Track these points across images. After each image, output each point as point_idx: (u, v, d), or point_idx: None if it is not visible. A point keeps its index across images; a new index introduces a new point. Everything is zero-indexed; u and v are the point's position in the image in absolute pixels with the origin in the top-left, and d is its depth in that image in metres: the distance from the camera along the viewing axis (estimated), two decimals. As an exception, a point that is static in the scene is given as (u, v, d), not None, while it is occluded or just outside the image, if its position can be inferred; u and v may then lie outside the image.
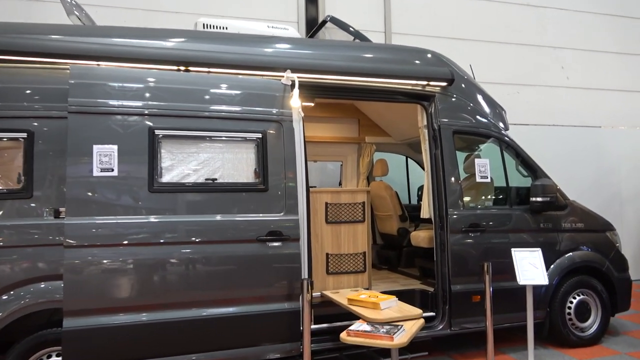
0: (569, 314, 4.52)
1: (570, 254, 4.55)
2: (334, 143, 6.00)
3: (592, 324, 4.60)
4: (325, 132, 5.89)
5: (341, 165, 6.20)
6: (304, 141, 3.84)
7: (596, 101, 8.29)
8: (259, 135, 3.64)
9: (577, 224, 4.65)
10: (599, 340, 4.60)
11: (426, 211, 4.38)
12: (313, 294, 3.87)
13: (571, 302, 4.54)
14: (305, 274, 3.68)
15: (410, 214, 5.80)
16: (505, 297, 4.27)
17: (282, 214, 3.60)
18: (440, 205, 4.20)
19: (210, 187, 3.48)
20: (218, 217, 3.43)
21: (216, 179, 3.52)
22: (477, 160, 4.41)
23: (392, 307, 3.28)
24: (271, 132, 3.68)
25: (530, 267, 4.02)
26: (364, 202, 4.14)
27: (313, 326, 3.74)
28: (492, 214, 4.37)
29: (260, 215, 3.55)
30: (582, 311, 4.57)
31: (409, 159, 6.54)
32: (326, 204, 4.02)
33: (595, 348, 4.48)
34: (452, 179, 4.24)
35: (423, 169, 4.71)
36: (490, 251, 4.26)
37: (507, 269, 4.17)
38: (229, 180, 3.55)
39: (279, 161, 3.66)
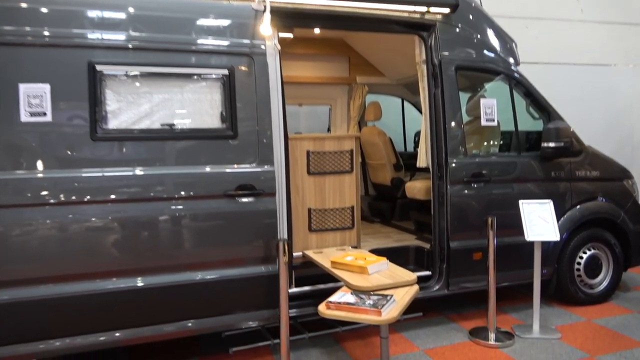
0: (578, 269, 4.14)
1: (583, 205, 4.11)
2: (321, 84, 5.40)
3: (602, 280, 4.23)
4: (311, 72, 5.27)
5: (330, 109, 5.63)
6: (281, 79, 3.28)
7: (612, 37, 7.58)
8: (225, 72, 3.07)
9: (592, 172, 4.17)
10: (609, 297, 4.25)
11: (423, 159, 3.88)
12: (294, 253, 3.45)
13: (581, 258, 4.15)
14: (283, 232, 3.23)
15: (406, 163, 5.30)
16: (510, 254, 3.88)
17: (254, 164, 3.10)
18: (439, 152, 3.69)
19: (166, 135, 2.95)
20: (176, 170, 2.93)
21: (174, 125, 2.98)
22: (482, 101, 3.86)
23: (382, 270, 2.86)
24: (240, 68, 3.11)
25: (539, 221, 3.59)
26: (352, 150, 3.63)
27: (293, 290, 3.35)
28: (497, 162, 3.88)
29: (228, 166, 3.05)
30: (593, 267, 4.19)
31: (405, 102, 5.96)
32: (308, 152, 3.51)
33: (606, 306, 4.14)
34: (454, 122, 3.72)
35: (420, 112, 4.17)
36: (494, 204, 3.81)
37: (512, 223, 3.75)
38: (189, 126, 3.01)
39: (250, 103, 3.11)
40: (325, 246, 3.62)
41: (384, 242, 4.24)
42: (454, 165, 3.69)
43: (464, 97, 4.17)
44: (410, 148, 5.97)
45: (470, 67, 3.85)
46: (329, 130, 5.69)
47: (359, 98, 5.39)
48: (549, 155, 3.94)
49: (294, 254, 3.48)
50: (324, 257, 3.33)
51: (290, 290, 3.33)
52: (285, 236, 3.28)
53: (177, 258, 2.93)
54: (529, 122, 4.25)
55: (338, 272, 2.84)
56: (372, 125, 5.22)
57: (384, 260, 2.91)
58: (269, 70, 3.22)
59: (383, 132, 5.04)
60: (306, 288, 3.40)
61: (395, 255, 3.87)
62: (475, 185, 3.76)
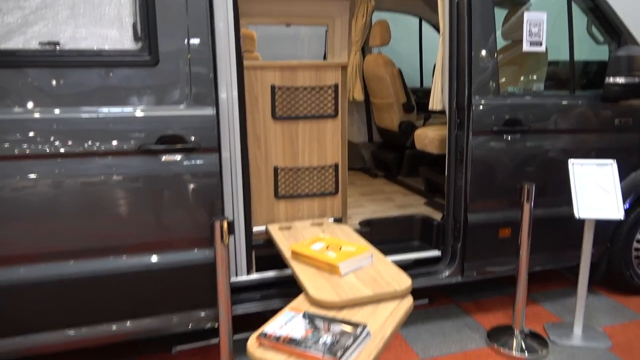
0: (638, 250, 3.22)
1: (654, 165, 3.11)
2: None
3: (668, 263, 3.32)
4: (301, -19, 4.17)
5: (326, 31, 4.56)
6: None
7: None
8: (138, -37, 2.08)
9: (673, 121, 3.13)
10: (675, 285, 3.36)
11: (437, 99, 2.90)
12: (255, 228, 2.63)
13: (643, 235, 3.22)
14: (237, 201, 2.39)
15: (421, 102, 4.31)
16: (548, 231, 2.98)
17: (183, 105, 2.19)
18: (461, 89, 2.70)
19: (49, 58, 2.03)
20: (63, 114, 2.04)
21: (58, 44, 2.05)
22: (527, 16, 2.78)
23: (363, 268, 2.00)
24: (163, -44, 2.11)
25: (596, 190, 2.63)
26: (336, 85, 2.66)
27: (253, 276, 2.56)
28: (541, 105, 2.86)
29: (143, 108, 2.14)
30: (657, 246, 3.26)
31: (423, 23, 4.83)
32: (273, 88, 2.56)
33: (670, 297, 3.26)
34: (483, 46, 2.68)
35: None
36: (533, 163, 2.85)
37: (555, 189, 2.82)
38: (83, 46, 2.08)
39: (178, 10, 2.15)
40: (298, 218, 2.76)
41: (383, 207, 3.37)
42: (480, 107, 2.71)
43: (499, 13, 3.09)
44: (427, 83, 4.93)
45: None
46: (324, 58, 4.65)
47: (362, 16, 4.29)
48: (615, 94, 2.90)
49: (255, 229, 2.65)
50: (291, 236, 2.48)
51: (247, 278, 2.55)
52: (241, 206, 2.44)
53: (72, 241, 2.12)
54: (588, 49, 3.17)
55: (297, 270, 1.99)
56: (378, 53, 4.17)
57: (367, 252, 2.04)
58: None
59: (391, 61, 4.00)
60: (270, 274, 2.60)
61: (395, 228, 3.03)
62: (509, 138, 2.79)
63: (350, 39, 4.44)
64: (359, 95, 4.42)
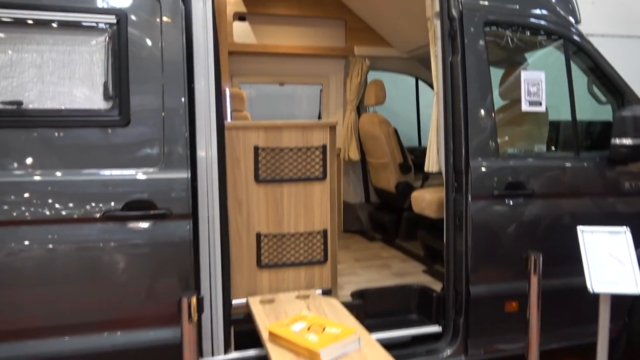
0: (659, 324, 2.93)
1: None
2: (309, 56, 4.28)
3: (693, 338, 3.01)
4: (296, 40, 4.15)
5: (321, 90, 4.50)
6: (214, 33, 2.21)
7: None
8: (112, 19, 2.00)
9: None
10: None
11: (433, 161, 2.74)
12: (234, 301, 2.40)
13: (664, 307, 2.94)
14: (210, 274, 2.18)
15: (418, 162, 4.16)
16: (560, 304, 2.72)
17: (155, 168, 2.03)
18: (457, 150, 2.55)
19: (13, 119, 1.90)
20: (24, 177, 1.88)
21: (21, 104, 1.93)
22: (525, 75, 2.67)
23: (347, 354, 1.75)
24: (138, 14, 2.04)
25: (609, 260, 2.41)
26: (324, 146, 2.51)
27: (232, 355, 2.30)
28: (545, 167, 2.69)
29: (112, 171, 1.98)
30: (681, 320, 2.97)
31: (420, 82, 4.78)
32: (256, 149, 2.41)
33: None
34: (480, 106, 2.56)
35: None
36: (539, 230, 2.65)
37: (565, 259, 2.60)
38: (50, 105, 1.95)
39: (152, 68, 2.04)
40: (283, 289, 2.53)
41: (378, 275, 3.13)
42: (479, 170, 2.54)
43: (495, 72, 3.00)
44: (425, 143, 4.80)
45: (506, 22, 2.67)
46: (319, 118, 4.57)
47: (357, 75, 4.24)
48: (623, 156, 2.73)
49: (235, 302, 2.42)
50: (273, 311, 2.24)
51: (225, 358, 2.29)
52: (219, 277, 2.23)
53: (18, 320, 1.89)
54: (590, 109, 3.05)
55: (273, 356, 1.74)
56: (373, 112, 4.08)
57: (353, 335, 1.80)
58: (193, 19, 2.16)
59: (386, 120, 3.89)
60: (251, 352, 2.34)
61: (391, 298, 2.79)
62: (511, 202, 2.60)
63: (345, 98, 4.37)
64: (354, 155, 4.29)
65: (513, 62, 3.22)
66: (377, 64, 4.35)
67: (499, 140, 2.63)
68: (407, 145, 4.80)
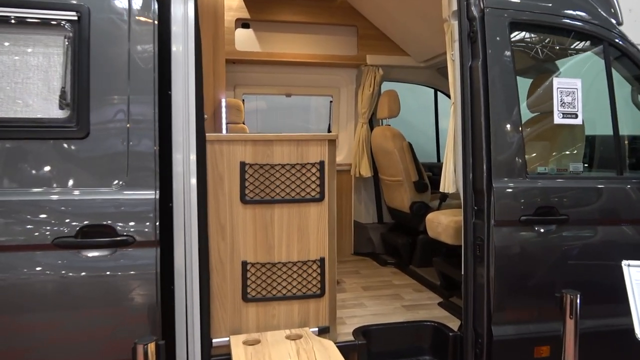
0: None
1: None
2: (318, 66, 3.99)
3: None
4: (303, 47, 3.87)
5: (331, 101, 4.20)
6: (197, 34, 1.94)
7: None
8: (73, 16, 1.73)
9: None
10: None
11: (449, 180, 2.39)
12: (215, 340, 2.08)
13: None
14: (187, 309, 1.87)
15: (435, 180, 3.79)
16: (599, 349, 2.31)
17: (116, 187, 1.74)
18: (478, 169, 2.20)
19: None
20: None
21: (-37, 111, 1.67)
22: (558, 83, 2.31)
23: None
24: (103, 10, 1.77)
25: (662, 302, 1.99)
26: (321, 163, 2.18)
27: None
28: (582, 189, 2.30)
29: (67, 191, 1.70)
30: None
31: (439, 93, 4.44)
32: (242, 165, 2.10)
33: None
34: (505, 119, 2.20)
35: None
36: (574, 263, 2.25)
37: (605, 297, 2.21)
38: (-4, 114, 1.69)
39: (117, 75, 1.76)
40: (273, 327, 2.19)
41: (387, 308, 2.76)
42: (504, 191, 2.17)
43: (523, 82, 2.64)
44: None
45: (536, 23, 2.32)
46: (329, 131, 4.25)
47: (370, 86, 3.92)
48: (675, 178, 2.33)
49: (216, 341, 2.10)
50: (256, 355, 1.91)
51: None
52: (197, 313, 1.92)
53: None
54: (634, 122, 2.66)
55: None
56: (386, 125, 3.74)
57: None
58: (172, 20, 1.89)
59: (399, 134, 3.55)
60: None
61: (401, 337, 2.45)
62: (541, 229, 2.22)
63: (357, 111, 4.05)
64: (366, 172, 3.95)
65: (543, 69, 2.86)
66: (391, 73, 4.02)
67: (526, 157, 2.26)
68: (426, 162, 4.45)
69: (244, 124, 3.12)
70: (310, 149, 2.18)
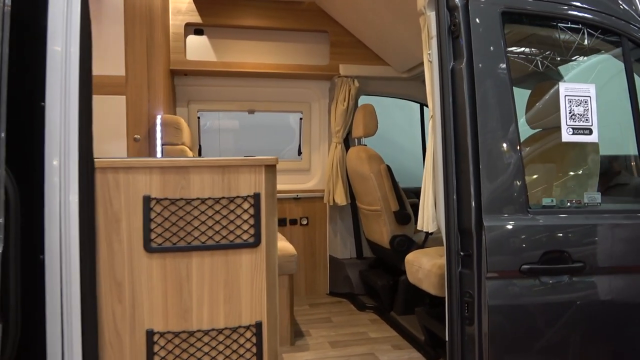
0: None
1: None
2: (285, 77, 3.50)
3: None
4: (267, 57, 3.39)
5: (300, 118, 3.70)
6: (82, 30, 1.46)
7: None
8: None
9: None
10: None
11: (428, 215, 1.87)
12: None
13: None
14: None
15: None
16: None
17: None
18: (464, 202, 1.68)
19: None
20: None
21: None
22: (565, 89, 1.81)
23: None
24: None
25: None
26: (256, 196, 1.65)
27: None
28: (601, 227, 1.77)
29: None
30: None
31: (425, 109, 3.95)
32: (147, 200, 1.57)
33: None
34: (498, 135, 1.70)
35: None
36: (597, 326, 1.72)
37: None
38: None
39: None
40: (192, 417, 1.63)
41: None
42: (498, 232, 1.65)
43: (520, 95, 2.15)
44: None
45: (536, 13, 1.83)
46: (299, 153, 3.74)
47: (344, 100, 3.42)
48: None
49: None
50: None
51: None
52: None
53: None
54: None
55: None
56: (361, 146, 3.23)
57: None
58: (49, 13, 1.41)
59: (376, 155, 3.04)
60: None
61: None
62: (550, 281, 1.69)
63: (330, 129, 3.55)
64: (341, 199, 3.43)
65: (545, 76, 2.36)
66: (369, 86, 3.54)
67: (527, 186, 1.74)
68: (413, 187, 3.94)
69: (184, 144, 2.61)
70: (242, 177, 1.65)
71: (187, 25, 3.22)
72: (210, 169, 1.62)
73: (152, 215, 1.58)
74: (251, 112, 3.56)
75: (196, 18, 3.19)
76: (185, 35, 3.26)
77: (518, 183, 1.69)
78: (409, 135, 4.51)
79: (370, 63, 3.46)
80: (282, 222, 3.56)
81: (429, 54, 1.83)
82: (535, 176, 2.02)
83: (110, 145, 2.52)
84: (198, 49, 3.30)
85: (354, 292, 3.55)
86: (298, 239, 3.61)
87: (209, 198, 1.62)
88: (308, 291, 3.66)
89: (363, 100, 3.57)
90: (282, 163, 3.63)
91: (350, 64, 3.41)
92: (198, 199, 1.61)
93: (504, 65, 1.74)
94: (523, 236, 1.67)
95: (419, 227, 1.93)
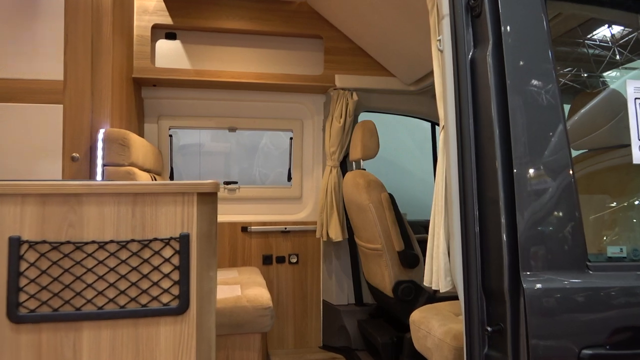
0: None
1: None
2: (272, 89, 3.02)
3: None
4: (250, 65, 2.92)
5: (291, 138, 3.20)
6: None
7: None
8: None
9: None
10: None
11: (439, 270, 1.32)
12: None
13: None
14: None
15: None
16: None
17: None
18: (492, 254, 1.14)
19: None
20: None
21: None
22: (633, 88, 1.28)
23: None
24: None
25: None
26: (184, 238, 1.13)
27: None
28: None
29: None
30: None
31: (437, 128, 3.43)
32: (15, 244, 1.06)
33: None
34: (541, 157, 1.17)
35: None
36: None
37: None
38: None
39: None
40: None
41: None
42: (546, 299, 1.11)
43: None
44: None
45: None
46: (289, 178, 3.23)
47: (340, 117, 2.93)
48: None
49: None
50: None
51: None
52: None
53: None
54: None
55: None
56: (359, 170, 2.71)
57: None
58: None
59: (377, 182, 2.51)
60: None
61: None
62: (625, 375, 1.13)
63: (325, 151, 3.04)
64: (336, 234, 2.89)
65: (592, 83, 1.84)
66: (371, 101, 3.04)
67: (585, 227, 1.20)
68: (424, 220, 3.40)
69: (132, 166, 2.12)
70: (162, 210, 1.14)
71: (156, 27, 2.78)
72: (115, 197, 1.12)
73: (23, 266, 1.07)
74: (232, 129, 3.07)
75: (166, 19, 2.75)
76: (154, 39, 2.82)
77: (572, 224, 1.15)
78: (419, 160, 4.00)
79: (372, 73, 2.97)
80: (267, 260, 3.03)
81: (439, 40, 1.33)
82: (591, 214, 1.48)
83: (42, 164, 2.05)
84: (169, 55, 2.85)
85: (351, 346, 2.97)
86: (286, 280, 3.07)
87: (112, 241, 1.11)
88: (297, 343, 3.09)
89: (364, 117, 3.08)
90: (268, 190, 3.12)
91: (347, 74, 2.93)
92: (94, 242, 1.10)
93: (547, 53, 1.23)
94: (582, 304, 1.13)
95: (426, 283, 1.39)
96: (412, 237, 2.50)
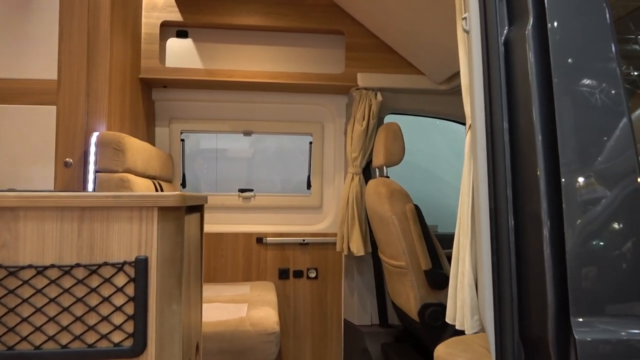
0: None
1: None
2: (290, 90, 2.82)
3: None
4: (267, 65, 2.73)
5: (310, 143, 2.98)
6: None
7: None
8: None
9: None
10: None
11: (464, 305, 1.05)
12: None
13: None
14: None
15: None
16: None
17: None
18: (533, 285, 0.87)
19: None
20: None
21: None
22: None
23: None
24: None
25: None
26: (141, 262, 0.92)
27: None
28: None
29: None
30: None
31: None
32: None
33: None
34: (599, 155, 0.89)
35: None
36: None
37: None
38: None
39: None
40: None
41: None
42: (606, 351, 0.83)
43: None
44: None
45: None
46: (308, 185, 3.00)
47: (363, 119, 2.69)
48: None
49: None
50: None
51: None
52: None
53: None
54: None
55: None
56: (382, 178, 2.46)
57: None
58: None
59: (401, 191, 2.25)
60: None
61: None
62: None
63: (347, 155, 2.80)
64: (357, 248, 2.65)
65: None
66: (397, 101, 2.78)
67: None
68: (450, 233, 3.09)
69: (128, 172, 1.94)
70: (115, 228, 0.93)
71: (165, 24, 2.62)
72: (58, 212, 0.92)
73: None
74: (247, 133, 2.88)
75: (176, 15, 2.59)
76: (163, 38, 2.67)
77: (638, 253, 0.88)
78: (454, 168, 3.70)
79: (398, 71, 2.71)
80: (284, 274, 2.82)
81: (465, 19, 1.08)
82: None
83: (34, 169, 1.90)
84: (180, 54, 2.69)
85: (373, 373, 2.71)
86: (304, 297, 2.84)
87: (53, 266, 0.91)
88: (316, 365, 2.86)
89: (391, 119, 2.82)
90: (286, 198, 2.91)
91: (371, 73, 2.69)
92: (32, 267, 0.91)
93: (606, 33, 0.96)
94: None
95: (448, 320, 1.13)
96: (440, 255, 2.22)
